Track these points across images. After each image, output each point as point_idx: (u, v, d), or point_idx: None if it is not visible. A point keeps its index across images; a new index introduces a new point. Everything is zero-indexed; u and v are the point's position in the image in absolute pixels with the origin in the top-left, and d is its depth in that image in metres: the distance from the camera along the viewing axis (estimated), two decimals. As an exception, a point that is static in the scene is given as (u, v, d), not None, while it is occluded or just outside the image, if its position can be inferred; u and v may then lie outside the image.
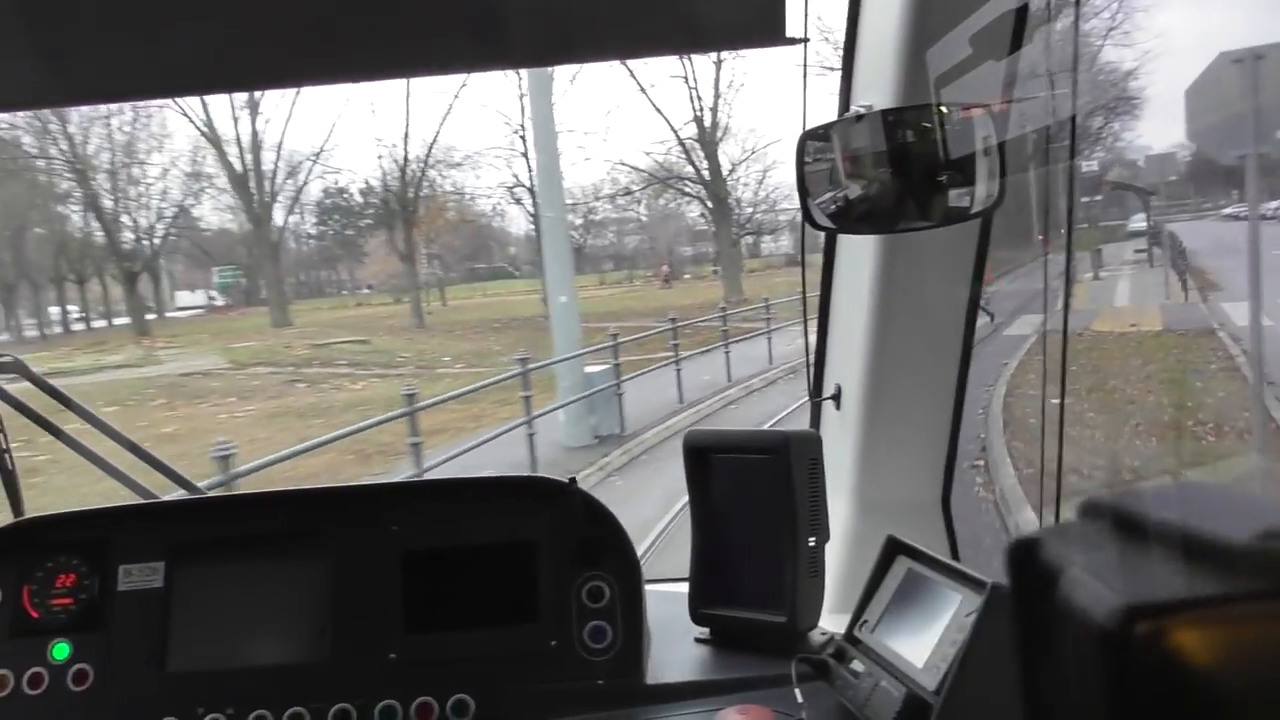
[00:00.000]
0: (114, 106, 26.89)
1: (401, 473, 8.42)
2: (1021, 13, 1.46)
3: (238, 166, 27.87)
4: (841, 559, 1.73)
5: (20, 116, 24.27)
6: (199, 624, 1.50)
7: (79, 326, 31.27)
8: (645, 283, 36.37)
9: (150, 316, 29.67)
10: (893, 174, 1.42)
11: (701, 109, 25.24)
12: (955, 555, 1.83)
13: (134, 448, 2.03)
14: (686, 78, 25.90)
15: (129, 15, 1.30)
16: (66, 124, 25.78)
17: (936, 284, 1.69)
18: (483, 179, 42.79)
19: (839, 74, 1.71)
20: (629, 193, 31.78)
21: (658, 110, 39.28)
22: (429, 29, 1.44)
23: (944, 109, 1.43)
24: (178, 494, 1.97)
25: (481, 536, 1.52)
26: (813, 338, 1.90)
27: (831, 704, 1.30)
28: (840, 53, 1.69)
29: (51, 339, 28.58)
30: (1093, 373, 9.57)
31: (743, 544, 1.53)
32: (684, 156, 26.81)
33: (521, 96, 23.52)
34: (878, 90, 1.57)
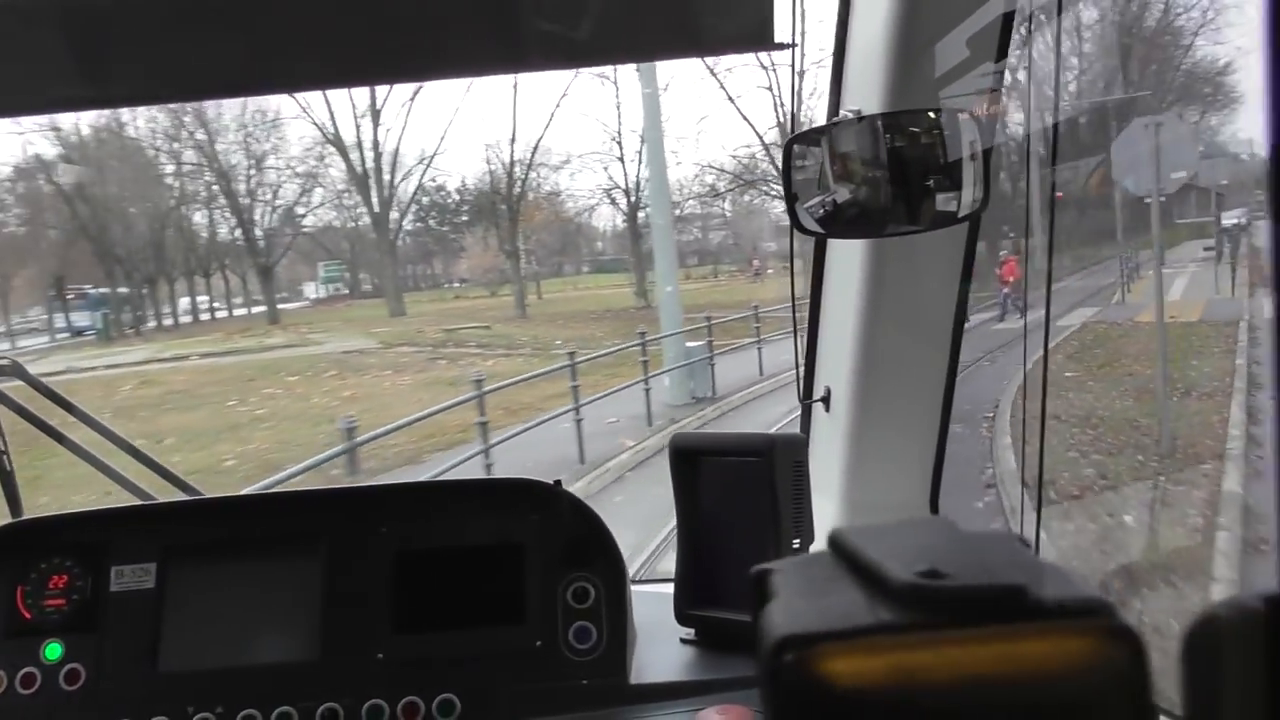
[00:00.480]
0: (247, 114, 29.88)
1: (551, 413, 10.56)
2: (1008, 19, 1.47)
3: (358, 169, 30.50)
4: (829, 561, 1.74)
5: (159, 126, 28.26)
6: (190, 624, 1.51)
7: (205, 317, 34.53)
8: (730, 277, 37.31)
9: (280, 307, 32.44)
10: (881, 178, 1.43)
11: (783, 115, 26.02)
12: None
13: (133, 450, 2.06)
14: (771, 87, 26.97)
15: (160, 19, 1.32)
16: (199, 131, 29.25)
17: (925, 287, 1.70)
18: (575, 180, 45.04)
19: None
20: (717, 194, 33.27)
21: (744, 118, 46.29)
22: (433, 35, 1.46)
23: (932, 114, 1.44)
24: (176, 496, 1.99)
25: (470, 538, 1.53)
26: (802, 341, 1.91)
27: None
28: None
29: (185, 327, 31.17)
30: (1112, 353, 11.39)
31: (728, 546, 1.55)
32: (767, 158, 27.63)
33: (618, 106, 26.82)
34: (866, 95, 1.58)
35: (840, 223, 1.49)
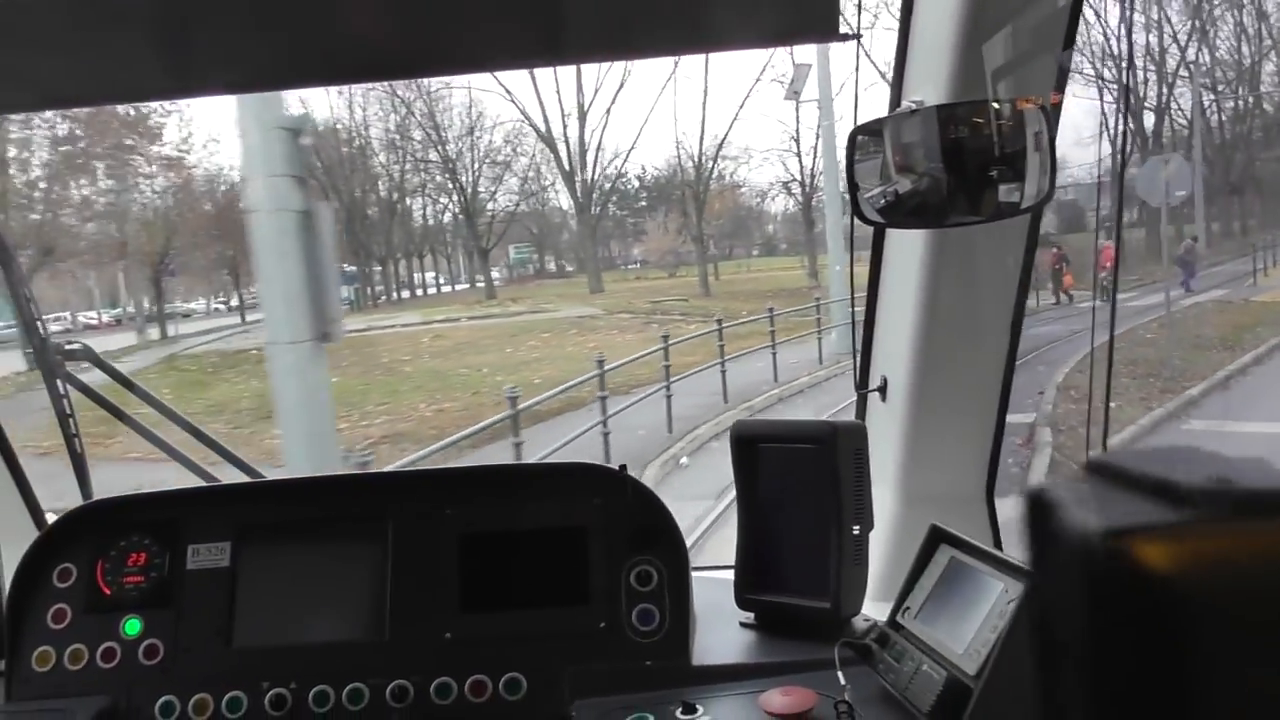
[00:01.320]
0: (460, 113, 34.86)
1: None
2: (1076, 7, 1.47)
3: (565, 165, 34.35)
4: (885, 548, 1.75)
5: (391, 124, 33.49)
6: (263, 602, 1.56)
7: (431, 291, 40.72)
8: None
9: (478, 285, 36.94)
10: (943, 169, 1.43)
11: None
12: (998, 545, 1.84)
13: (198, 433, 2.11)
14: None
15: (182, 14, 1.36)
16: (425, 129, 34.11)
17: (984, 278, 1.70)
18: (754, 172, 48.76)
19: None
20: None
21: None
22: (486, 24, 1.49)
23: (996, 104, 1.44)
24: (240, 477, 2.04)
25: (534, 521, 1.57)
26: (859, 331, 1.92)
27: (874, 687, 1.33)
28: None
29: (417, 300, 37.39)
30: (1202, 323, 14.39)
31: (788, 531, 1.57)
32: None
33: (798, 107, 28.51)
34: (930, 85, 1.58)
35: (901, 213, 1.50)
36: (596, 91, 35.87)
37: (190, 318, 33.41)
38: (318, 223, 5.16)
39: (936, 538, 1.40)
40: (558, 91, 42.12)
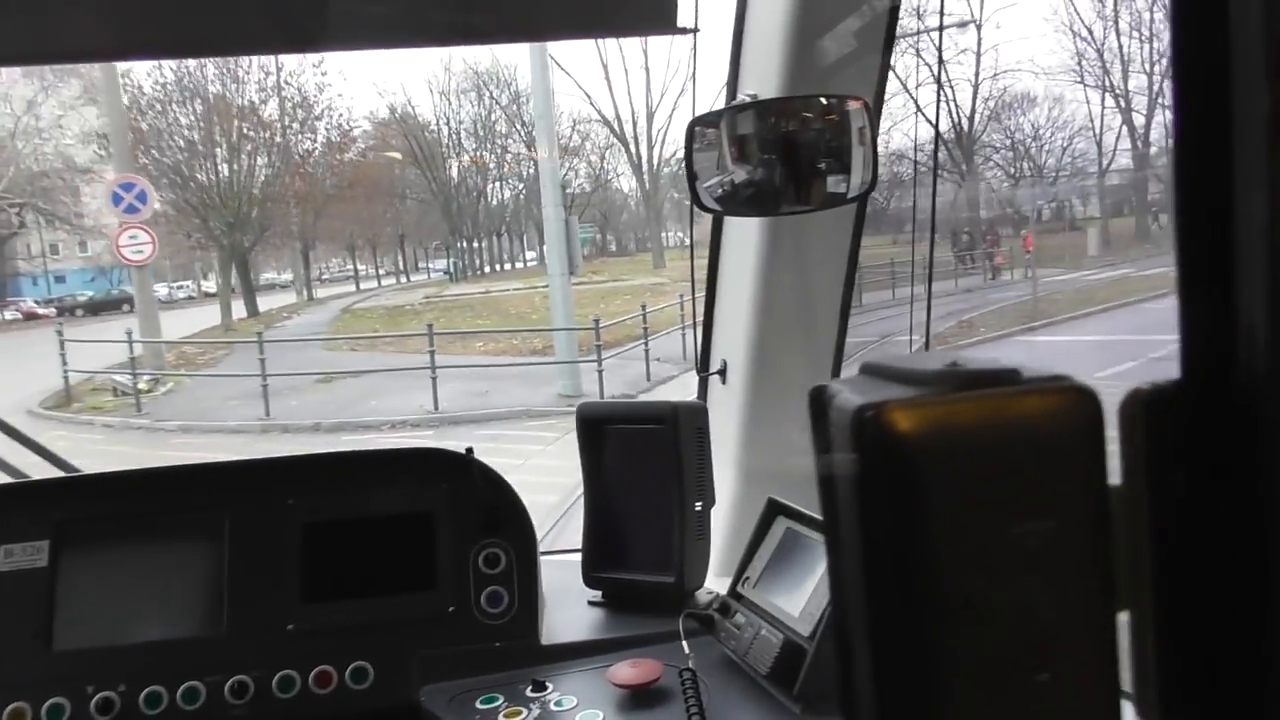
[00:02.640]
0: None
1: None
2: (893, 13, 1.57)
3: (634, 159, 38.87)
4: (727, 523, 1.82)
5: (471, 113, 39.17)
6: (88, 602, 1.49)
7: (508, 266, 46.39)
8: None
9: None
10: (776, 160, 1.51)
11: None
12: (831, 519, 1.94)
13: (4, 426, 1.97)
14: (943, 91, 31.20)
15: None
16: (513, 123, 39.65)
17: (816, 264, 1.79)
18: None
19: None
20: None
21: (919, 110, 54.78)
22: (343, 7, 1.46)
23: (824, 99, 1.52)
24: (54, 473, 1.92)
25: (379, 507, 1.55)
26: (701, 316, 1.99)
27: (717, 655, 1.40)
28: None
29: (503, 273, 43.13)
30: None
31: (634, 510, 1.61)
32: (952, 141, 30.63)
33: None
34: (763, 80, 1.65)
35: (736, 202, 1.56)
36: (662, 95, 46.06)
37: (323, 283, 43.30)
38: (571, 224, 12.69)
39: (773, 510, 1.47)
40: (629, 95, 57.62)
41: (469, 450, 1.57)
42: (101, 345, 15.04)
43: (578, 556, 1.66)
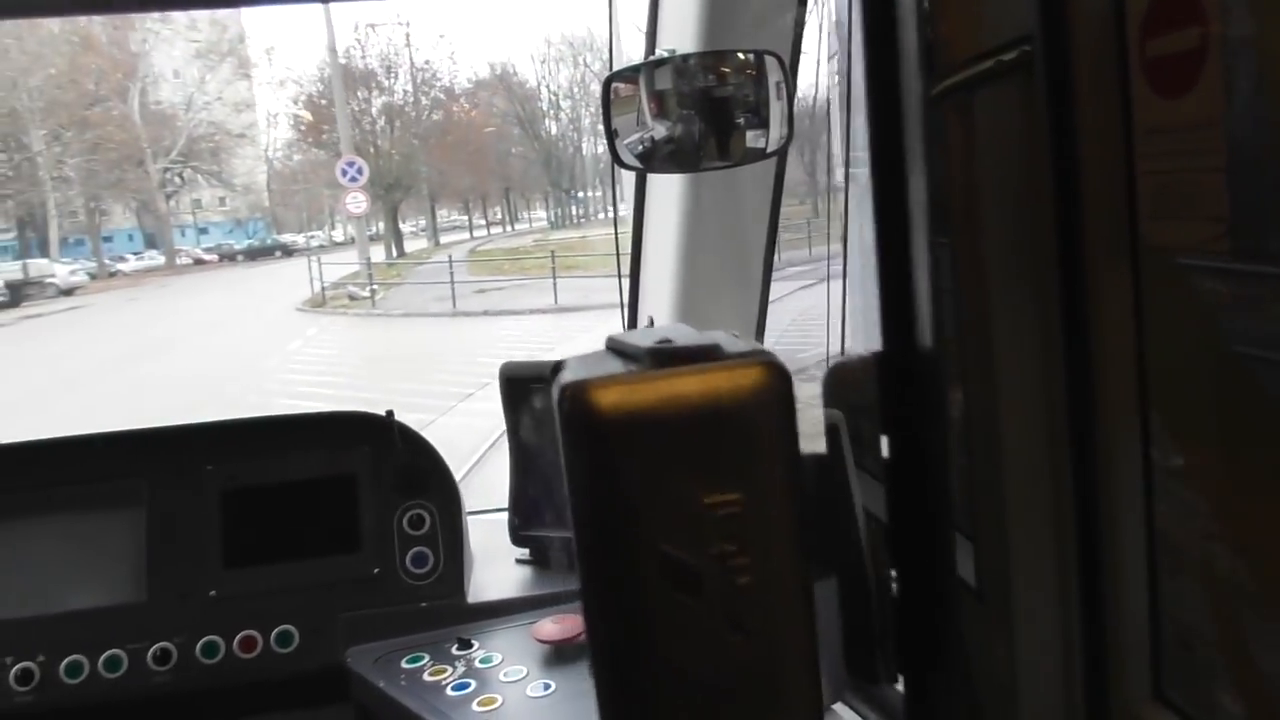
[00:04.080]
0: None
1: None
2: None
3: None
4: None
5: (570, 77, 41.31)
6: (4, 573, 1.47)
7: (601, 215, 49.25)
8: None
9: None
10: (695, 116, 1.50)
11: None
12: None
13: None
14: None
15: None
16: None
17: (739, 219, 1.79)
18: None
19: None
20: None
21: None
22: None
23: (741, 54, 1.52)
24: None
25: (300, 472, 1.55)
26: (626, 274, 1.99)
27: None
28: None
29: (591, 222, 44.49)
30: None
31: (558, 469, 1.62)
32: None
33: None
34: (681, 34, 1.64)
35: (657, 158, 1.56)
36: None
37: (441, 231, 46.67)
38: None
39: None
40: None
41: (389, 413, 1.57)
42: (324, 266, 22.03)
43: (504, 516, 1.68)
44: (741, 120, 1.50)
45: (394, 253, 33.42)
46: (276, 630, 1.47)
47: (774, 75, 1.46)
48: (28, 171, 31.24)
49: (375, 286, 21.58)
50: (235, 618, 1.47)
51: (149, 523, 1.50)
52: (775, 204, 1.78)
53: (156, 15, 29.67)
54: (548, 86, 46.12)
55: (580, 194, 48.11)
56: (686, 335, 0.40)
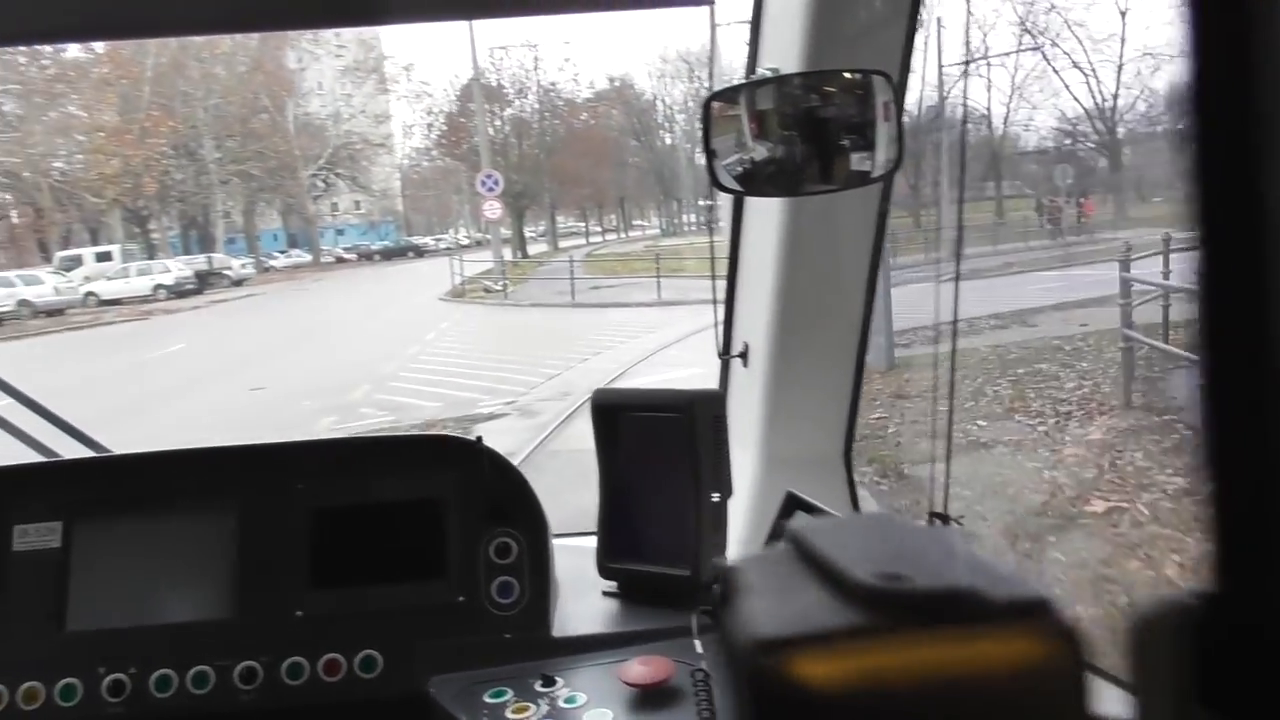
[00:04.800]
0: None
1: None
2: None
3: None
4: (747, 512, 1.78)
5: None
6: (99, 584, 1.49)
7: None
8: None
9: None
10: (797, 137, 1.44)
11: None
12: (856, 508, 1.89)
13: (33, 405, 1.98)
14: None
15: None
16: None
17: (840, 245, 1.73)
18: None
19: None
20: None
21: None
22: None
23: (847, 74, 1.46)
24: (83, 452, 1.93)
25: (388, 494, 1.53)
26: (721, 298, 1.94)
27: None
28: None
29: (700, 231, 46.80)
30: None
31: (649, 499, 1.57)
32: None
33: None
34: (784, 53, 1.59)
35: (757, 181, 1.50)
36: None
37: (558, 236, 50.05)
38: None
39: (792, 504, 1.42)
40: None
41: (479, 439, 1.54)
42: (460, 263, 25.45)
43: (593, 541, 1.63)
44: (846, 142, 1.44)
45: (519, 254, 36.77)
46: (360, 654, 1.45)
47: (881, 95, 1.40)
48: (198, 178, 35.35)
49: (506, 281, 25.05)
50: (321, 639, 1.46)
51: (240, 539, 1.51)
52: (880, 229, 1.71)
53: (309, 36, 34.16)
54: (662, 101, 49.89)
55: (695, 203, 49.47)
56: (917, 555, 0.29)
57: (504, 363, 13.39)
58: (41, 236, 31.89)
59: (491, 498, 1.53)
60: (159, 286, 27.12)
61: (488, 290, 24.04)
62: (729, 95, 1.50)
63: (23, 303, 23.76)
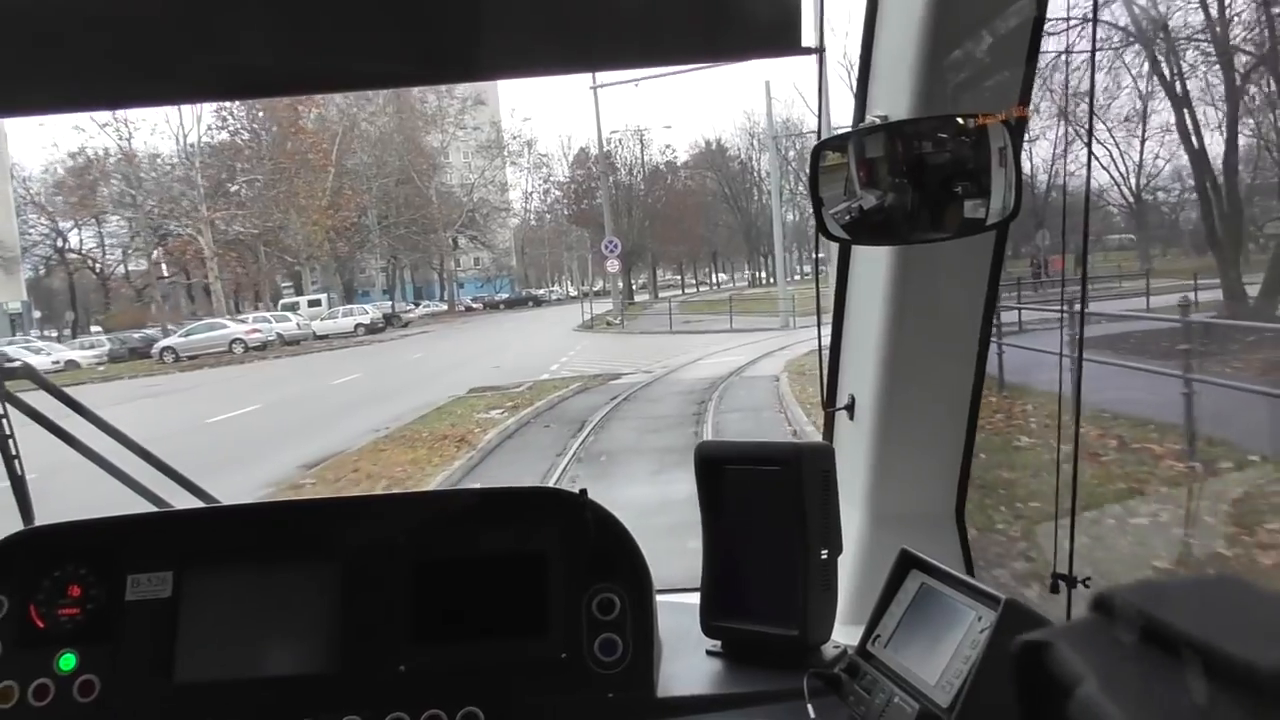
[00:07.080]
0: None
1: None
2: (1038, 23, 1.45)
3: None
4: (855, 571, 1.72)
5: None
6: (207, 634, 1.50)
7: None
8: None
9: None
10: (907, 184, 1.41)
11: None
12: (970, 570, 1.81)
13: (146, 454, 2.04)
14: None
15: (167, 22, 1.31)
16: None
17: (952, 295, 1.67)
18: None
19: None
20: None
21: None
22: (449, 37, 1.45)
23: (959, 119, 1.42)
24: (192, 502, 1.97)
25: (491, 547, 1.52)
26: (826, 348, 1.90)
27: (843, 718, 1.29)
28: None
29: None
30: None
31: (755, 556, 1.52)
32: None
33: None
34: (893, 100, 1.56)
35: (866, 229, 1.47)
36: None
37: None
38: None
39: (906, 563, 1.36)
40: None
41: (583, 491, 1.52)
42: (577, 306, 36.64)
43: (695, 598, 1.58)
44: (959, 189, 1.39)
45: (626, 300, 43.23)
46: (462, 711, 1.43)
47: (997, 140, 1.35)
48: (358, 241, 44.32)
49: (624, 315, 33.80)
50: (423, 694, 1.44)
51: (344, 592, 1.50)
52: (994, 280, 1.65)
53: (451, 120, 43.73)
54: (751, 169, 56.24)
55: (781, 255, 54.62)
56: None
57: (623, 359, 20.49)
58: (257, 287, 41.58)
59: (594, 552, 1.50)
60: (359, 325, 36.75)
61: (609, 324, 33.08)
62: (837, 143, 1.47)
63: (278, 335, 32.23)
